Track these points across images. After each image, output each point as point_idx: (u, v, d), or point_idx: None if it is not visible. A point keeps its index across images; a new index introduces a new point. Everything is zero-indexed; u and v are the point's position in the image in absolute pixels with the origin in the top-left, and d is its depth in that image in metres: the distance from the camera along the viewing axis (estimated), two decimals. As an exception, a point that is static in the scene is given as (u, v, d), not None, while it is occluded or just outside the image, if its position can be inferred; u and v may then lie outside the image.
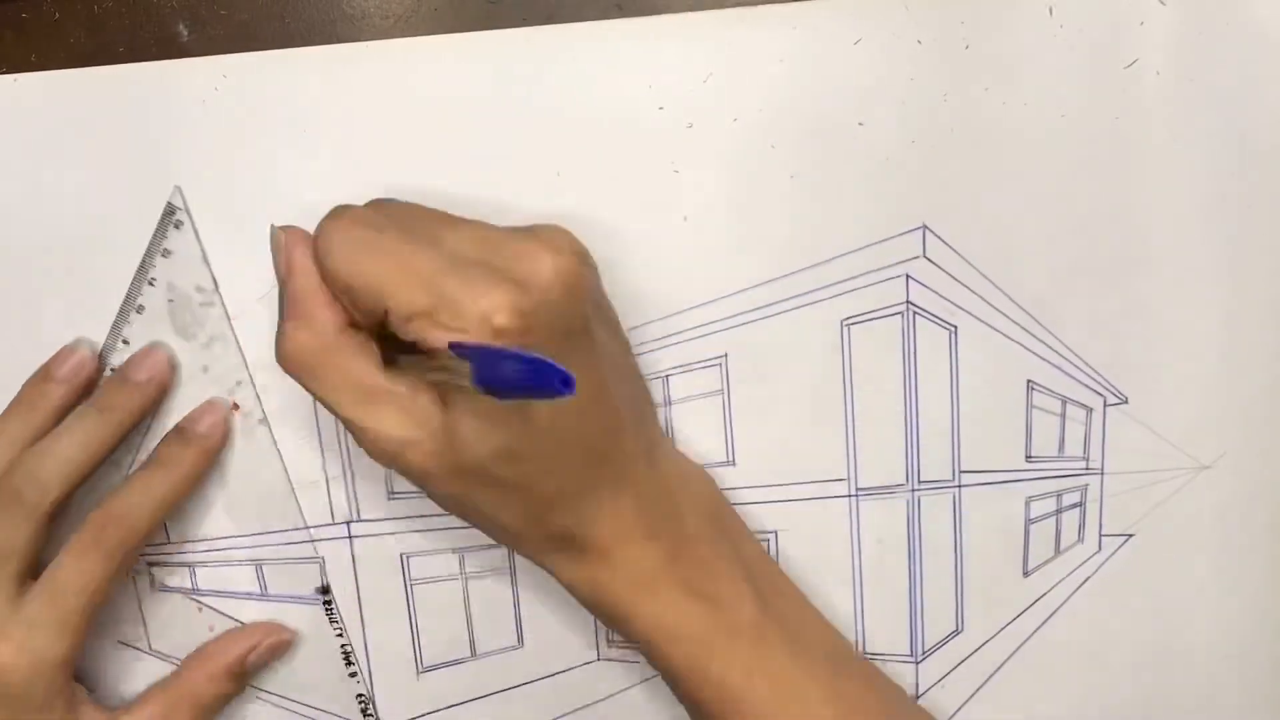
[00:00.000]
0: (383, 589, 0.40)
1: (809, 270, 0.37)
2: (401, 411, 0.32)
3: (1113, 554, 0.39)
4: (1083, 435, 0.38)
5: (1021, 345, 0.37)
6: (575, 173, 0.37)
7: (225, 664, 0.39)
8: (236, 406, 0.39)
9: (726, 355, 0.38)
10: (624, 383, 0.35)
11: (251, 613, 0.41)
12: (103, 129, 0.38)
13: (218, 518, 0.40)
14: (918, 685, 0.40)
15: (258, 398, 0.39)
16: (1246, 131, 0.35)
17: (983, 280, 0.37)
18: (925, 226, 0.36)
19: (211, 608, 0.41)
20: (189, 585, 0.41)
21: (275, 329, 0.33)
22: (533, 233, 0.33)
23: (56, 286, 0.39)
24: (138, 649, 0.41)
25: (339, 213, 0.33)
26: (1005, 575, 0.39)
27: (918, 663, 0.39)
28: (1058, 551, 0.39)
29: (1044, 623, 0.39)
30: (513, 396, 0.29)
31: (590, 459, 0.33)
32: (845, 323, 0.37)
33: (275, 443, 0.40)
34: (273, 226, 0.34)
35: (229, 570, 0.41)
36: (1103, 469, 0.38)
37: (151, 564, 0.41)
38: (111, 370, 0.39)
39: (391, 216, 0.33)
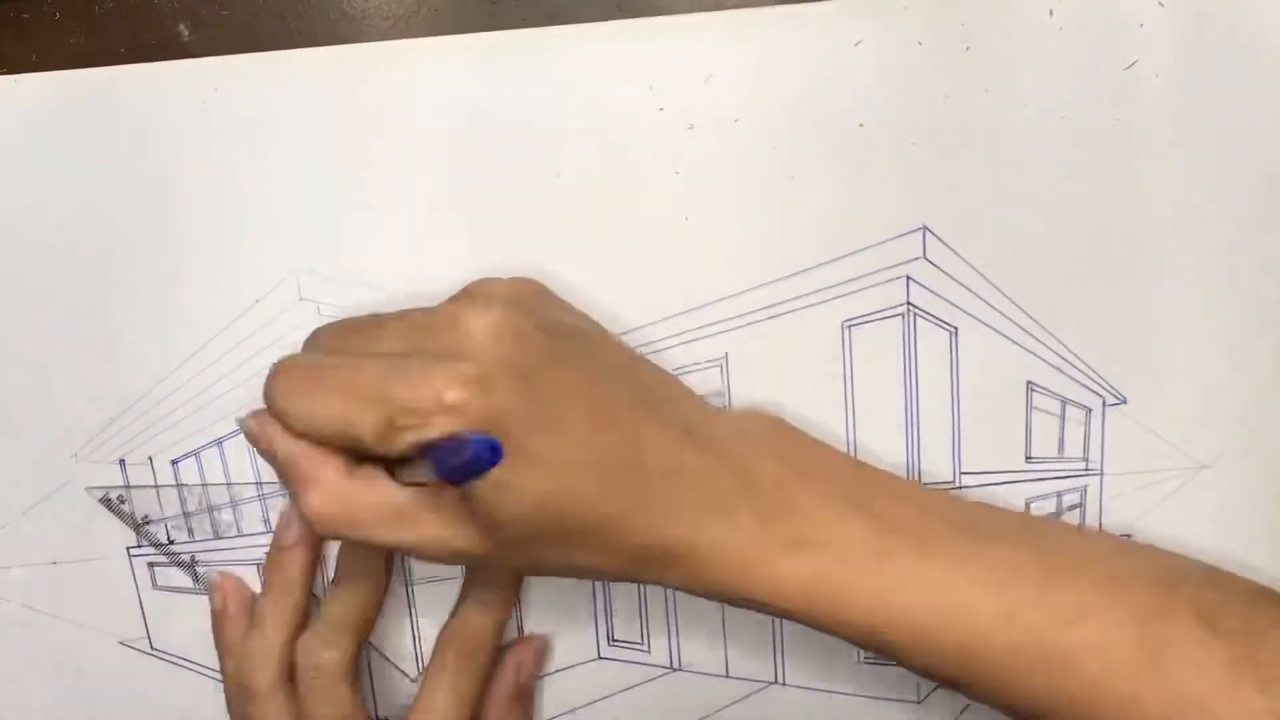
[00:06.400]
0: (383, 589, 0.40)
1: (809, 272, 0.37)
2: (435, 514, 0.32)
3: (1112, 554, 0.39)
4: (1082, 436, 0.38)
5: (1021, 346, 0.37)
6: (575, 174, 0.37)
7: (508, 695, 0.40)
8: None
9: (727, 356, 0.38)
10: (624, 382, 0.34)
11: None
12: (103, 129, 0.38)
13: (220, 518, 0.40)
14: (920, 689, 0.40)
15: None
16: (1247, 133, 0.35)
17: (983, 281, 0.37)
18: (925, 228, 0.36)
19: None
20: (190, 585, 0.41)
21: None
22: (456, 298, 0.33)
23: (55, 287, 0.39)
24: (139, 649, 0.41)
25: (276, 370, 0.33)
26: (1005, 575, 0.39)
27: (917, 663, 0.39)
28: (1057, 552, 0.39)
29: (1043, 623, 0.39)
30: (461, 480, 0.30)
31: (621, 471, 0.32)
32: (846, 324, 0.37)
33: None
34: (238, 419, 0.35)
35: (231, 570, 0.41)
36: (1102, 469, 0.38)
37: (152, 564, 0.41)
38: None
39: (322, 346, 0.34)
